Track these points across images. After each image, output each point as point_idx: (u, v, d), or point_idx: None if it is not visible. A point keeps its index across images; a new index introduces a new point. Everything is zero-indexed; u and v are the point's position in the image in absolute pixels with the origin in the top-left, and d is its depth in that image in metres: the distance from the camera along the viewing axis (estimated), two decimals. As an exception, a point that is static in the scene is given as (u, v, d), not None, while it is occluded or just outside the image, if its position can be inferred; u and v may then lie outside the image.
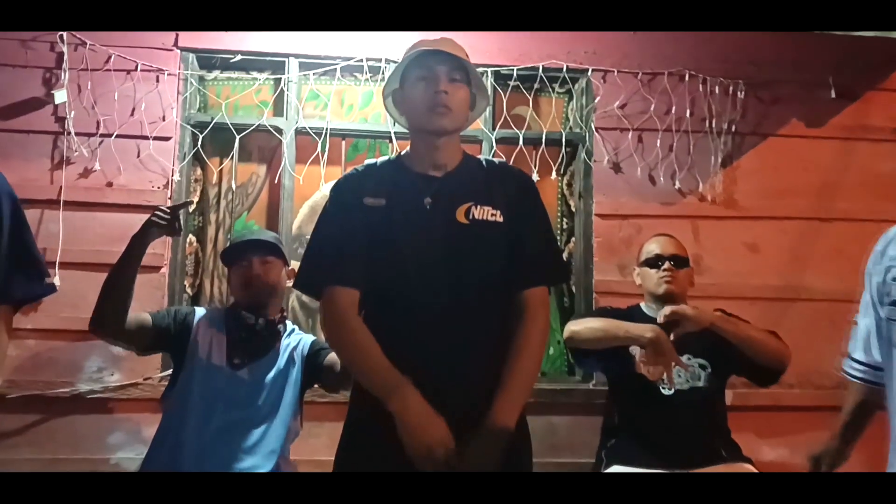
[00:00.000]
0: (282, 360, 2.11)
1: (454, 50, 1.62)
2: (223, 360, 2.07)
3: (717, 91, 3.02)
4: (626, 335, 2.21)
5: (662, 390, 2.28)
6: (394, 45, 2.87)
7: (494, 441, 1.47)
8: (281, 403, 2.07)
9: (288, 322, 2.23)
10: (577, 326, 2.32)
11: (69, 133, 2.72)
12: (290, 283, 2.21)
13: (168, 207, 1.98)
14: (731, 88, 3.03)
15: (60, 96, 2.70)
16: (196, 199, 2.94)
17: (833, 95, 3.06)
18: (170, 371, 2.28)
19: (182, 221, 2.02)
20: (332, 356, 2.04)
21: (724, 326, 2.21)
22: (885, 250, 1.69)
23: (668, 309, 2.19)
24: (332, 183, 2.93)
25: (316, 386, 2.23)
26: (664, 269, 2.37)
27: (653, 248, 2.44)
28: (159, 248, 2.70)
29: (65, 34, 2.74)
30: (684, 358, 2.27)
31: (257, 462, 2.00)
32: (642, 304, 2.48)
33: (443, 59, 1.59)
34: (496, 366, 1.54)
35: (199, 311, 2.19)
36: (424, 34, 2.88)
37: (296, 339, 2.17)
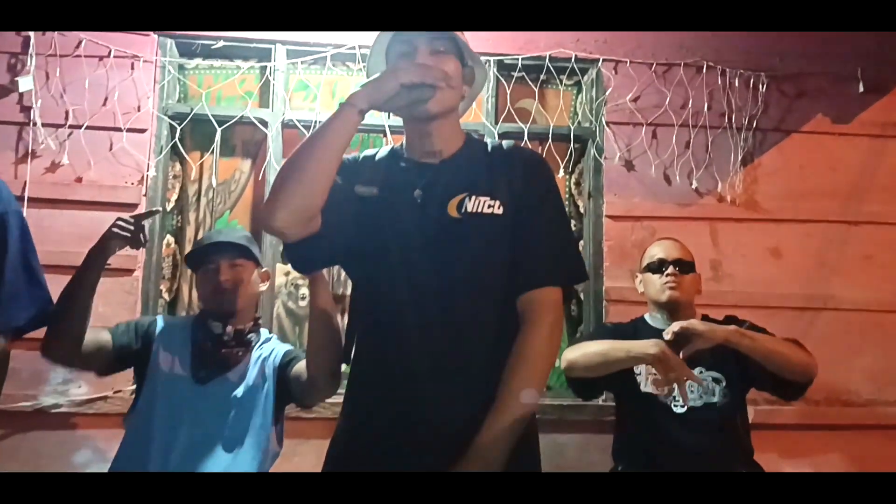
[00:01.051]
0: (252, 373, 1.97)
1: None
2: (188, 373, 1.94)
3: (737, 84, 2.94)
4: (627, 356, 2.08)
5: (674, 408, 2.18)
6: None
7: (483, 467, 1.34)
8: (252, 422, 1.92)
9: (263, 330, 2.10)
10: (573, 354, 2.19)
11: (35, 124, 2.62)
12: (263, 287, 2.10)
13: (132, 216, 1.83)
14: (752, 81, 2.95)
15: (26, 84, 2.61)
16: (174, 198, 2.84)
17: (861, 90, 2.99)
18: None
19: (147, 232, 1.90)
20: (300, 366, 1.88)
21: (739, 342, 2.06)
22: None
23: (676, 325, 2.04)
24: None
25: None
26: (668, 275, 2.27)
27: (656, 252, 2.34)
28: (131, 250, 2.53)
29: None
30: (696, 371, 2.17)
31: None
32: (647, 316, 2.37)
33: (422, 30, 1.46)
34: (490, 375, 1.40)
35: (162, 321, 2.07)
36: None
37: (269, 349, 2.03)
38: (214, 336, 1.97)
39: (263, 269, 2.12)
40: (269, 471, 2.00)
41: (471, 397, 1.38)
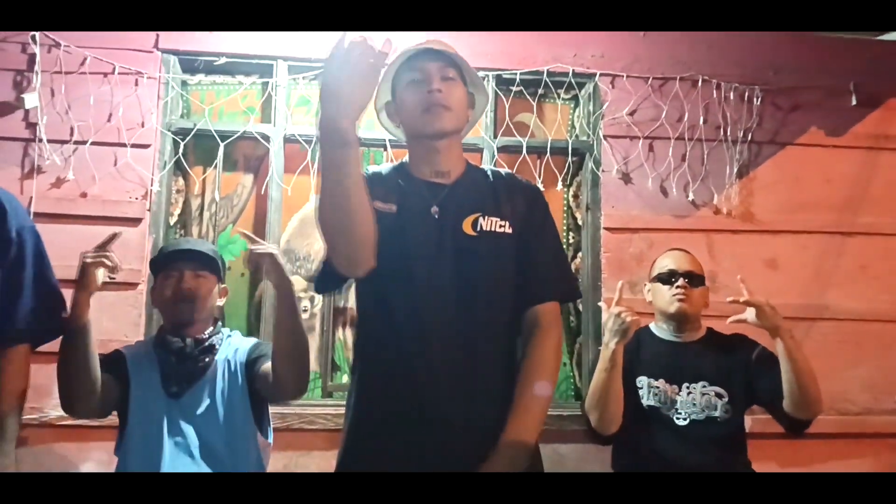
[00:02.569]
0: (222, 375, 1.97)
1: (443, 48, 1.59)
2: (161, 392, 1.94)
3: (732, 97, 2.98)
4: (609, 365, 2.10)
5: (676, 420, 2.20)
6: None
7: (510, 461, 1.44)
8: (234, 423, 1.93)
9: (223, 330, 2.09)
10: (590, 413, 2.20)
11: (41, 140, 2.65)
12: (220, 303, 2.07)
13: (95, 247, 1.81)
14: (746, 94, 2.99)
15: (32, 100, 2.63)
16: (177, 212, 2.88)
17: (854, 103, 3.04)
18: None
19: (118, 259, 1.85)
20: (267, 366, 1.89)
21: (788, 341, 2.08)
22: None
23: (747, 296, 2.12)
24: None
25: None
26: (678, 287, 2.26)
27: (667, 262, 2.33)
28: (136, 264, 2.61)
29: (37, 34, 2.68)
30: (699, 386, 2.21)
31: None
32: (652, 325, 2.38)
33: (433, 57, 1.56)
34: (504, 381, 1.52)
35: (126, 350, 2.05)
36: (423, 34, 2.80)
37: (232, 348, 2.03)
38: (176, 350, 1.96)
39: (223, 286, 2.10)
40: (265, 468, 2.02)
41: (487, 400, 1.48)
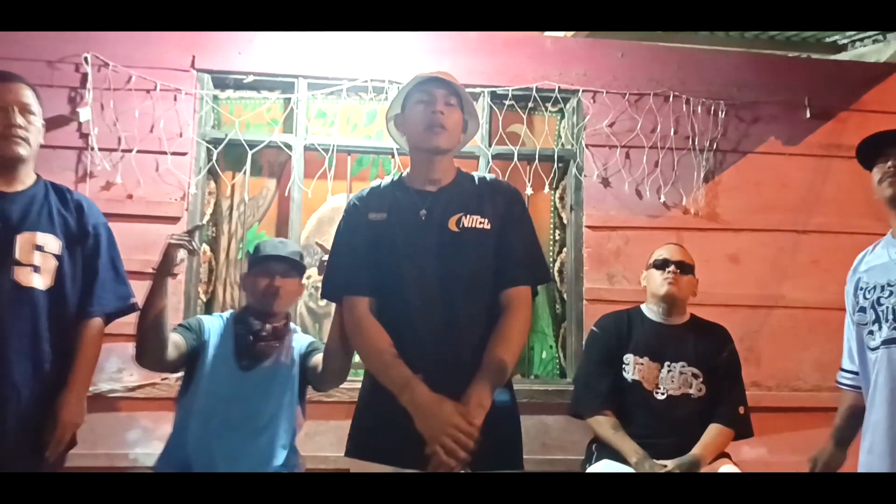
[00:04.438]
0: (286, 361, 2.23)
1: (449, 80, 1.80)
2: (233, 362, 2.18)
3: (699, 111, 3.16)
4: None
5: (655, 395, 2.42)
6: (397, 67, 3.05)
7: (473, 410, 1.57)
8: (285, 400, 2.19)
9: (291, 324, 2.35)
10: (597, 428, 2.44)
11: (92, 148, 2.85)
12: (299, 298, 2.31)
13: (185, 231, 2.03)
14: (713, 108, 3.17)
15: (85, 114, 2.84)
16: (209, 212, 3.09)
17: (808, 116, 3.21)
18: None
19: (198, 240, 2.07)
20: (318, 357, 2.11)
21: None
22: (857, 266, 1.93)
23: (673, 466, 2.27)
24: (339, 196, 3.07)
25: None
26: (668, 272, 2.47)
27: (662, 253, 2.55)
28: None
29: (89, 56, 2.89)
30: (679, 365, 2.43)
31: (268, 456, 2.16)
32: (644, 306, 2.59)
33: (440, 85, 1.77)
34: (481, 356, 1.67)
35: (207, 318, 2.30)
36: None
37: (295, 340, 2.29)
38: (254, 331, 2.19)
39: (302, 283, 2.34)
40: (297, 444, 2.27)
41: (466, 375, 1.64)
